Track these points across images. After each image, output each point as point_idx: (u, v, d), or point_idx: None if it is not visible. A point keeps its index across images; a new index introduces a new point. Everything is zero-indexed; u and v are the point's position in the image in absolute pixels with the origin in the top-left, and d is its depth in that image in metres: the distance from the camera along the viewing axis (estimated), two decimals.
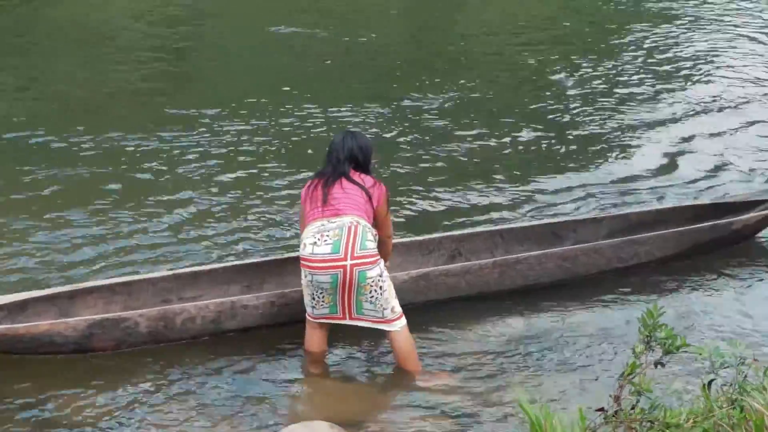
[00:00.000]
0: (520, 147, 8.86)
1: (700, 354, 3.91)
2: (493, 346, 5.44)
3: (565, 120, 9.69)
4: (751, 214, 6.45)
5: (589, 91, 10.71)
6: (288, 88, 10.33)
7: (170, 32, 13.18)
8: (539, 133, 9.16)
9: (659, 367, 3.95)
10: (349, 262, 4.92)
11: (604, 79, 11.22)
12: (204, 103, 9.75)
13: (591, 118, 9.74)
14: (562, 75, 11.18)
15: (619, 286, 6.11)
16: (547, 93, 10.59)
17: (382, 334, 5.23)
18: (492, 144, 8.91)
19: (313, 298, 5.06)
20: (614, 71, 11.57)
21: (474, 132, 9.19)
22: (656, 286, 6.14)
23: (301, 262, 5.02)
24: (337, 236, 4.95)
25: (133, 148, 8.43)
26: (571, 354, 5.38)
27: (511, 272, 5.84)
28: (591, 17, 15.07)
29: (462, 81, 10.86)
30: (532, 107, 10.06)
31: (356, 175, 5.16)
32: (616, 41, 13.39)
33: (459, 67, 11.74)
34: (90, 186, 7.54)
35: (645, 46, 12.96)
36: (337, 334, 5.34)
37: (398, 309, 5.08)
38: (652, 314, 4.00)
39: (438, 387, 5.02)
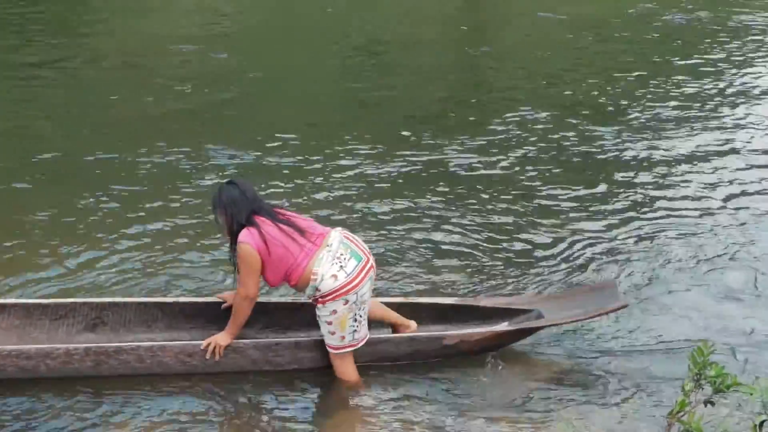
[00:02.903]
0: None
1: (752, 394, 3.84)
2: (537, 383, 5.39)
3: None
4: (477, 330, 5.36)
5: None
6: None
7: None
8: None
9: (709, 405, 3.90)
10: (371, 260, 5.08)
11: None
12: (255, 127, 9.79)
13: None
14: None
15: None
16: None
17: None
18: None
19: (355, 320, 5.01)
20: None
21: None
22: None
23: (337, 293, 4.92)
24: (347, 249, 4.98)
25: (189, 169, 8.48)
26: (617, 390, 5.31)
27: (113, 362, 4.96)
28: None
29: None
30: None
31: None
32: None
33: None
34: (132, 207, 7.57)
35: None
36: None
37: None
38: (702, 351, 3.95)
39: (486, 424, 4.97)
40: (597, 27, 15.76)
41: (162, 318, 5.40)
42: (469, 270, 6.65)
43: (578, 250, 7.09)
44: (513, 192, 8.24)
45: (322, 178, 8.34)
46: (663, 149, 9.58)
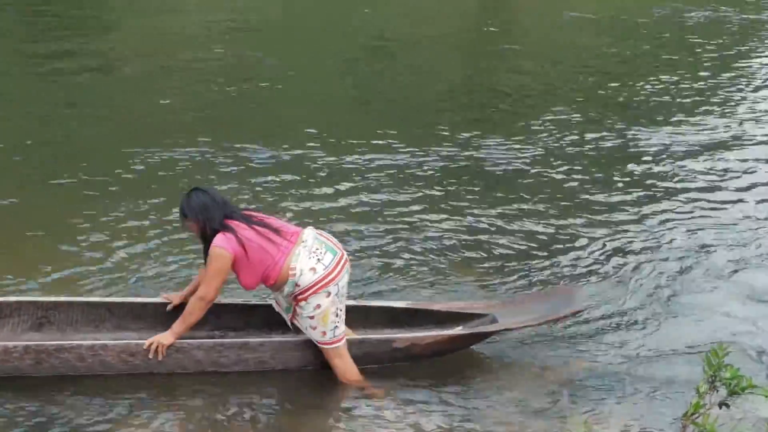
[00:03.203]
0: None
1: (767, 396, 3.80)
2: (552, 385, 5.33)
3: None
4: (425, 333, 5.24)
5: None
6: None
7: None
8: None
9: (724, 408, 3.85)
10: (345, 255, 5.11)
11: None
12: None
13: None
14: None
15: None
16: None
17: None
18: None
19: (337, 315, 5.02)
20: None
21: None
22: None
23: (318, 285, 4.93)
24: (321, 245, 5.02)
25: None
26: (633, 392, 5.26)
27: (54, 361, 4.86)
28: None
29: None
30: None
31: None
32: None
33: None
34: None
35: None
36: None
37: None
38: (716, 353, 3.91)
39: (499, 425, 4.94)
40: (627, 26, 15.67)
41: (110, 318, 5.32)
42: (476, 271, 6.62)
43: (603, 250, 7.05)
44: (542, 192, 8.20)
45: (337, 176, 8.37)
46: (697, 148, 9.52)
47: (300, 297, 4.96)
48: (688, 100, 11.37)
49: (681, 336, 5.85)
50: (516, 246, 7.06)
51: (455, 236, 7.18)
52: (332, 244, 5.07)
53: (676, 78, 12.45)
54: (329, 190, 7.97)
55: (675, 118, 10.58)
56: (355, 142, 9.28)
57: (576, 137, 9.77)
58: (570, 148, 9.41)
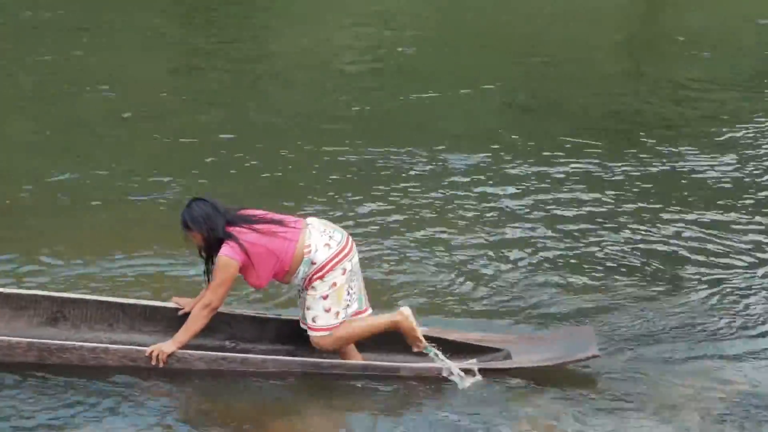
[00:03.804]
0: None
1: None
2: (568, 401, 5.19)
3: None
4: (433, 364, 5.19)
5: None
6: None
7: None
8: None
9: None
10: (351, 239, 5.21)
11: None
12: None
13: None
14: None
15: None
16: None
17: None
18: None
19: (348, 293, 5.10)
20: None
21: None
22: None
23: (335, 261, 5.03)
24: (327, 226, 5.17)
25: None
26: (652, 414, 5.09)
27: (55, 360, 5.02)
28: None
29: None
30: None
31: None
32: None
33: None
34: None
35: None
36: None
37: None
38: None
39: None
40: None
41: (123, 318, 5.43)
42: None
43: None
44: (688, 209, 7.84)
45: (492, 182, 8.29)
46: None
47: (316, 276, 5.02)
48: None
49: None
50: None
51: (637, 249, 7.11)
52: (337, 227, 5.22)
53: None
54: (493, 196, 7.95)
55: None
56: (528, 149, 9.15)
57: None
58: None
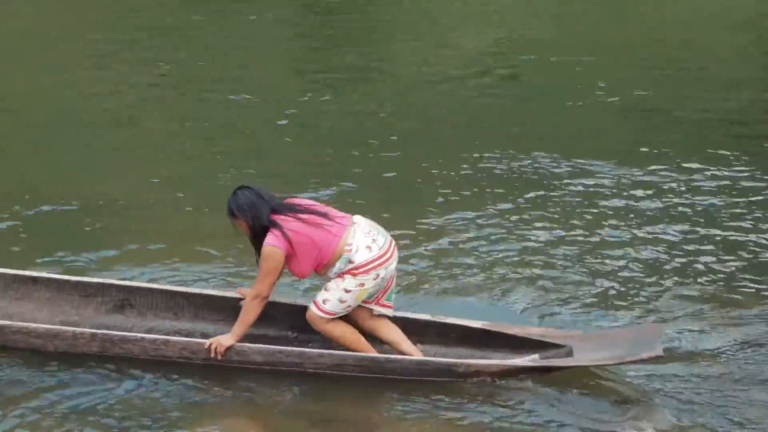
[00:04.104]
0: None
1: None
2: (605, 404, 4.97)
3: None
4: (491, 361, 5.10)
5: None
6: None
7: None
8: None
9: None
10: (393, 242, 5.19)
11: None
12: None
13: None
14: None
15: None
16: None
17: None
18: None
19: (370, 296, 5.08)
20: None
21: None
22: None
23: (372, 265, 5.00)
24: (373, 227, 5.12)
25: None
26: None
27: (117, 351, 5.09)
28: None
29: None
30: None
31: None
32: None
33: None
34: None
35: None
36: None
37: None
38: None
39: None
40: None
41: (188, 307, 5.52)
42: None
43: None
44: None
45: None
46: None
47: (349, 273, 5.00)
48: None
49: None
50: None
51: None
52: (382, 229, 5.17)
53: None
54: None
55: None
56: (650, 156, 8.72)
57: None
58: None
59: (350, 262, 4.97)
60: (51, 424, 4.61)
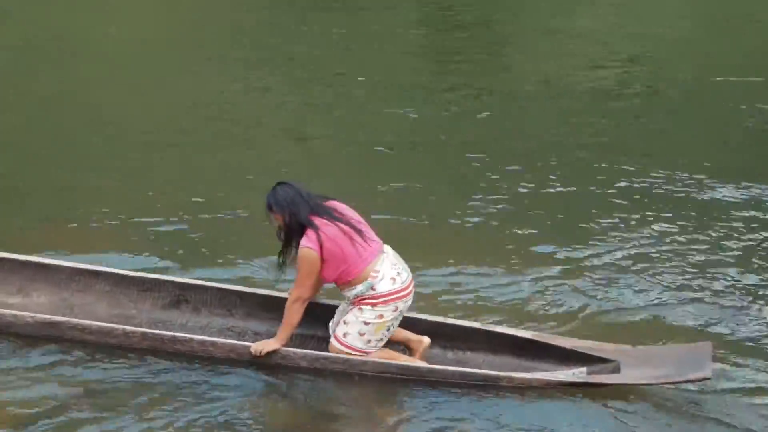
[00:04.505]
0: None
1: None
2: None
3: None
4: (535, 375, 5.11)
5: None
6: None
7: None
8: None
9: None
10: (413, 282, 5.22)
11: None
12: None
13: None
14: None
15: None
16: None
17: None
18: None
19: (388, 330, 5.13)
20: None
21: None
22: None
23: (393, 296, 5.06)
24: (399, 261, 5.18)
25: None
26: None
27: (167, 349, 5.25)
28: None
29: None
30: None
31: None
32: None
33: None
34: None
35: None
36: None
37: None
38: None
39: None
40: None
41: (241, 305, 5.65)
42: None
43: None
44: None
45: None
46: None
47: (369, 301, 5.04)
48: None
49: None
50: None
51: None
52: (407, 266, 5.22)
53: None
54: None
55: None
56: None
57: None
58: None
59: (372, 288, 5.01)
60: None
